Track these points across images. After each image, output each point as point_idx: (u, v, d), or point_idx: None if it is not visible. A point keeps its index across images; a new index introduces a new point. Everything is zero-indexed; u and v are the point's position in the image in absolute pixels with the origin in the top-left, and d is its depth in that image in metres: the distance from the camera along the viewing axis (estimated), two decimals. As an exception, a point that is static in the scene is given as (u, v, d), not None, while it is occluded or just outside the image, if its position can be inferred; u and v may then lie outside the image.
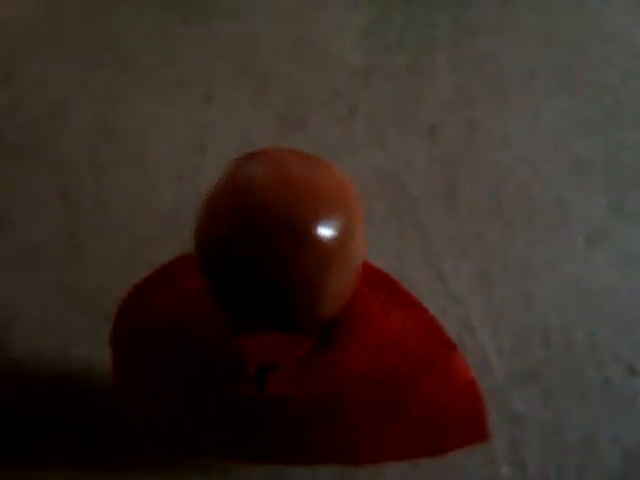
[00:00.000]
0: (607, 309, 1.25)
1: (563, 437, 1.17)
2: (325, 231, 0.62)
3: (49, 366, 1.19)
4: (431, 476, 1.14)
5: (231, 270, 0.63)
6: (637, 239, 1.28)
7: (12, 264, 1.25)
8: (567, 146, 1.35)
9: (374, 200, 1.29)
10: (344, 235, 0.63)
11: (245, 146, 1.29)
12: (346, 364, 0.75)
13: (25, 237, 1.27)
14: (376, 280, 0.79)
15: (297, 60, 1.39)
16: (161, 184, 1.27)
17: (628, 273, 1.26)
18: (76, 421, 1.14)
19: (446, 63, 1.41)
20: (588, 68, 1.43)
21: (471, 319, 1.22)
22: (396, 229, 1.25)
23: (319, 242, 0.62)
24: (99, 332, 1.20)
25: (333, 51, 1.40)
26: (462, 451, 1.14)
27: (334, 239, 0.62)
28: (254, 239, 0.62)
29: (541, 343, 1.22)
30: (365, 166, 1.30)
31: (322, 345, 0.74)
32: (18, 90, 1.36)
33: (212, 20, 1.41)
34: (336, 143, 1.30)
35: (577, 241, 1.29)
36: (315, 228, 0.62)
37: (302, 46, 1.40)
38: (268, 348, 0.73)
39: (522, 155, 1.33)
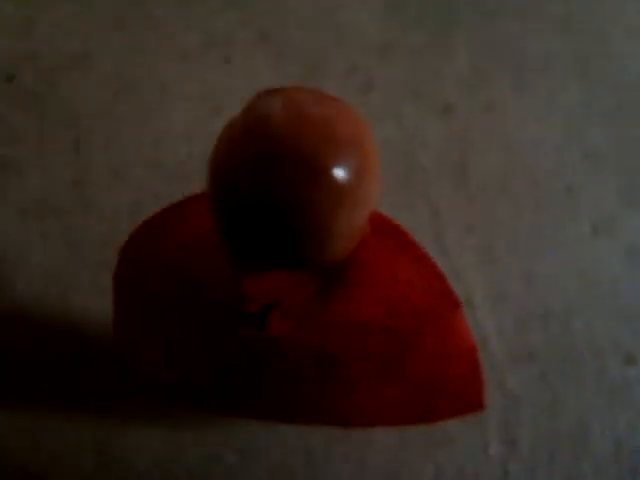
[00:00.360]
0: (609, 297, 1.25)
1: (556, 420, 1.17)
2: (339, 169, 0.62)
3: (49, 312, 1.19)
4: (420, 448, 1.14)
5: (243, 203, 0.63)
6: (644, 230, 1.28)
7: (18, 210, 1.25)
8: (580, 134, 1.35)
9: (386, 171, 1.29)
10: (357, 175, 0.64)
11: (259, 109, 1.29)
12: (349, 311, 0.75)
13: (32, 184, 1.27)
14: (386, 229, 0.79)
15: (318, 31, 1.39)
16: (173, 142, 1.27)
17: (633, 263, 1.26)
18: (72, 368, 1.15)
19: (465, 43, 1.41)
20: (607, 59, 1.43)
21: (472, 295, 1.22)
22: (406, 200, 1.25)
23: (332, 179, 0.62)
24: (100, 282, 1.21)
25: (354, 25, 1.40)
26: (453, 425, 1.14)
27: (347, 178, 0.63)
28: (267, 173, 0.62)
29: (540, 325, 1.22)
30: (379, 138, 1.29)
31: (326, 290, 0.74)
32: (36, 40, 1.37)
33: (235, -16, 1.42)
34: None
35: (584, 228, 1.28)
36: (329, 165, 0.62)
37: (324, 17, 1.40)
38: (272, 287, 0.74)
39: (535, 139, 1.33)
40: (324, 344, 0.77)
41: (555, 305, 1.24)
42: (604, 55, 1.44)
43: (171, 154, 1.26)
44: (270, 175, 0.62)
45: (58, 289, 1.20)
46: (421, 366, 0.83)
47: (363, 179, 0.65)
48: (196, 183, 1.24)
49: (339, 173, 0.63)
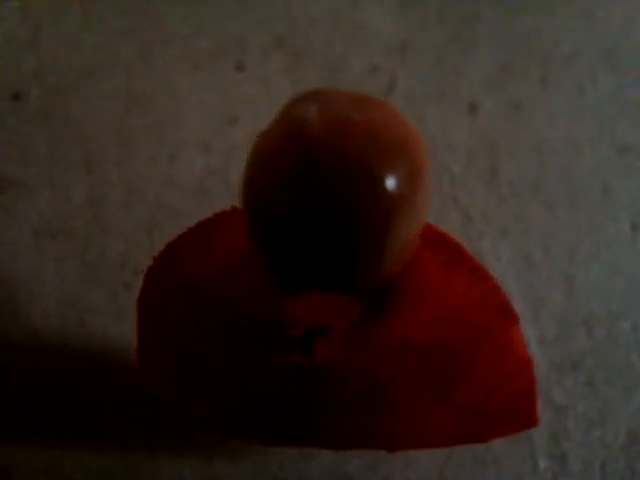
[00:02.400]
0: (654, 298, 1.19)
1: (607, 431, 1.11)
2: (390, 177, 0.56)
3: (67, 337, 1.13)
4: (467, 469, 1.08)
5: (284, 219, 0.57)
6: (686, 226, 1.22)
7: (31, 232, 1.20)
8: (612, 128, 1.29)
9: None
10: (410, 183, 0.58)
11: (278, 117, 1.23)
12: (399, 332, 0.69)
13: (44, 205, 1.21)
14: (438, 242, 0.73)
15: (334, 33, 1.33)
16: (189, 155, 1.22)
17: (677, 261, 1.20)
18: (93, 396, 1.09)
19: (488, 39, 1.35)
20: (635, 49, 1.37)
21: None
22: (436, 207, 1.18)
23: (383, 189, 0.56)
24: (119, 305, 1.15)
25: (371, 24, 1.35)
26: (501, 442, 1.07)
27: (399, 186, 0.57)
28: (313, 187, 0.56)
29: (584, 332, 1.16)
30: (402, 142, 1.24)
31: (376, 311, 0.68)
32: (44, 54, 1.31)
33: (246, -11, 1.36)
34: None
35: (623, 227, 1.22)
36: (379, 173, 0.56)
37: (339, 19, 1.35)
38: (317, 309, 0.67)
39: (566, 136, 1.27)
40: (373, 369, 0.71)
41: (598, 309, 1.18)
42: (631, 44, 1.38)
43: (187, 168, 1.21)
44: (313, 187, 0.56)
45: (76, 314, 1.14)
46: (475, 386, 0.77)
47: (416, 187, 0.59)
48: (214, 197, 1.19)
49: (391, 181, 0.57)
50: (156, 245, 1.12)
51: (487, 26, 1.36)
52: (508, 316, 0.74)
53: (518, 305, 1.21)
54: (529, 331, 1.15)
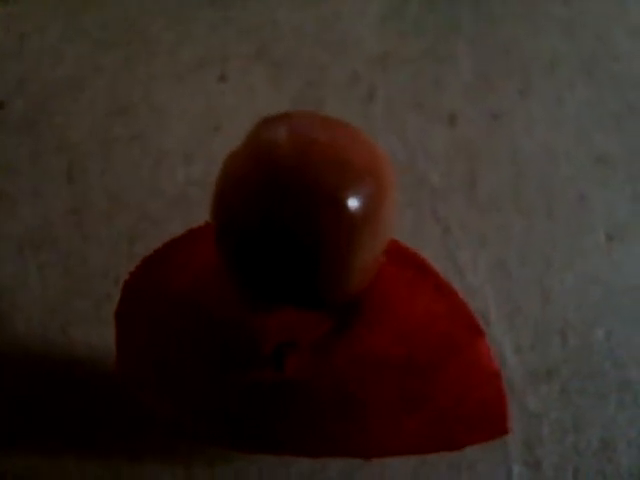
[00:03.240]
0: (628, 307, 1.20)
1: (580, 437, 1.13)
2: (354, 198, 0.58)
3: (51, 347, 1.15)
4: (442, 474, 1.10)
5: (250, 239, 0.59)
6: (661, 236, 1.24)
7: (13, 241, 1.21)
8: (590, 138, 1.31)
9: (391, 187, 1.24)
10: (374, 203, 0.59)
11: (259, 128, 1.25)
12: (367, 347, 0.70)
13: (28, 214, 1.23)
14: (403, 258, 0.75)
15: (315, 44, 1.35)
16: (171, 164, 1.23)
17: (651, 271, 1.22)
18: (75, 404, 1.10)
19: (466, 49, 1.37)
20: (613, 60, 1.39)
21: (488, 313, 1.18)
22: (414, 218, 1.21)
23: (347, 210, 0.58)
24: (101, 313, 1.16)
25: (352, 36, 1.36)
26: (475, 448, 1.09)
27: (364, 206, 0.58)
28: (279, 206, 0.58)
29: (559, 340, 1.18)
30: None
31: (343, 326, 0.70)
32: (27, 64, 1.33)
33: (231, 1, 1.37)
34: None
35: (598, 236, 1.24)
36: (343, 195, 0.58)
37: (320, 30, 1.36)
38: (287, 327, 0.69)
39: (544, 146, 1.29)
40: (342, 382, 0.73)
41: (573, 317, 1.20)
42: (610, 55, 1.40)
43: (169, 177, 1.22)
44: (279, 208, 0.58)
45: (58, 322, 1.16)
46: (443, 396, 0.78)
47: (380, 207, 0.61)
48: (196, 207, 1.20)
49: (354, 203, 0.58)
50: (138, 254, 1.14)
51: (466, 37, 1.38)
52: (473, 330, 0.76)
53: (494, 313, 1.23)
54: (505, 339, 1.17)
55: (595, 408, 1.14)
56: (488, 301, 1.19)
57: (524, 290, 1.20)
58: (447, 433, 0.88)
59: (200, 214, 1.15)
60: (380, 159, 0.64)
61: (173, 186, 1.21)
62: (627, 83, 1.37)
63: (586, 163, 1.29)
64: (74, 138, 1.26)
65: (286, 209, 0.58)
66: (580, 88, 1.36)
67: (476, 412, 0.85)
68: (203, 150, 1.24)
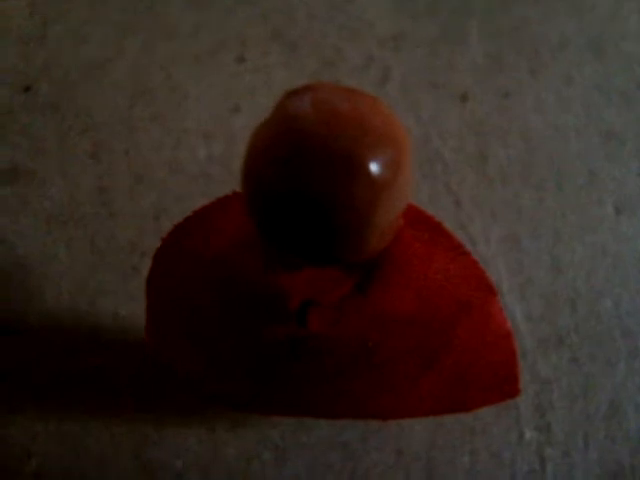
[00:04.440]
0: (636, 277, 1.24)
1: (590, 403, 1.17)
2: (374, 164, 0.62)
3: (79, 319, 1.20)
4: (455, 437, 1.15)
5: (281, 203, 0.63)
6: (668, 209, 1.27)
7: (42, 219, 1.26)
8: (599, 116, 1.35)
9: (405, 164, 1.28)
10: (393, 169, 0.64)
11: (277, 107, 1.29)
12: (386, 305, 0.75)
13: (55, 193, 1.28)
14: (420, 221, 0.79)
15: (330, 26, 1.39)
16: (193, 143, 1.28)
17: (658, 242, 1.26)
18: (102, 372, 1.16)
19: (478, 30, 1.41)
20: (622, 38, 1.42)
21: (500, 283, 1.22)
22: (428, 192, 1.25)
23: (369, 174, 0.62)
24: (128, 288, 1.21)
25: (366, 17, 1.40)
26: (487, 412, 1.14)
27: (383, 172, 0.63)
28: (302, 172, 0.62)
29: (569, 309, 1.22)
30: (396, 130, 1.29)
31: (363, 285, 0.74)
32: (51, 49, 1.37)
33: (245, -17, 1.42)
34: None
35: (607, 209, 1.28)
36: (364, 161, 0.62)
37: (335, 12, 1.40)
38: (310, 284, 0.74)
39: (553, 123, 1.33)
40: (362, 338, 0.77)
41: (582, 288, 1.24)
42: (618, 34, 1.43)
43: (191, 156, 1.27)
44: (305, 174, 0.62)
45: (87, 296, 1.21)
46: (457, 355, 0.83)
47: (398, 173, 0.65)
48: (217, 183, 1.25)
49: (375, 168, 0.63)
50: (163, 229, 1.19)
51: (477, 18, 1.42)
52: (487, 290, 0.80)
53: (506, 284, 1.28)
54: (516, 309, 1.21)
55: (604, 374, 1.18)
56: (500, 272, 1.23)
57: (535, 261, 1.24)
58: (461, 394, 0.92)
59: (221, 190, 1.20)
60: (398, 127, 0.68)
61: (194, 164, 1.26)
62: (635, 61, 1.40)
63: (595, 139, 1.33)
64: (98, 119, 1.31)
65: (312, 174, 0.62)
66: (588, 67, 1.39)
67: (488, 373, 0.89)
68: (223, 129, 1.28)
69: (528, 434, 1.16)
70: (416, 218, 0.78)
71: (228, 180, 1.25)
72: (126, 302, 1.19)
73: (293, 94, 0.69)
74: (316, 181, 0.62)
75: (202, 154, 1.27)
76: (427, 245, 0.78)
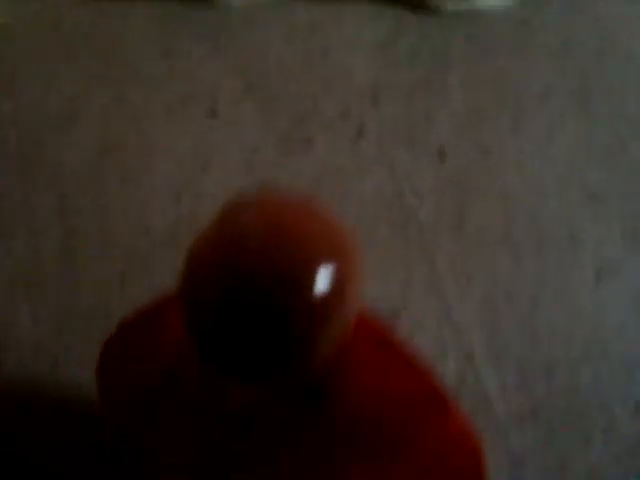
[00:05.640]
0: (615, 346, 1.21)
1: (565, 478, 1.14)
2: (318, 282, 0.59)
3: (40, 386, 1.17)
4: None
5: (218, 319, 0.60)
6: (650, 274, 1.23)
7: (6, 278, 1.23)
8: (581, 173, 1.31)
9: (380, 224, 1.25)
10: (339, 289, 0.60)
11: (249, 167, 1.25)
12: (335, 424, 0.71)
13: (19, 252, 1.24)
14: (371, 334, 0.75)
15: (305, 77, 1.35)
16: (161, 202, 1.24)
17: (639, 310, 1.22)
18: (60, 442, 1.13)
19: (459, 81, 1.37)
20: (605, 91, 1.38)
21: (474, 351, 1.19)
22: (401, 255, 1.21)
23: (311, 293, 0.59)
24: (92, 353, 1.18)
25: (343, 67, 1.36)
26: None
27: (327, 289, 0.59)
28: (243, 290, 0.59)
29: (544, 379, 1.18)
30: (371, 188, 1.26)
31: (310, 401, 0.71)
32: (20, 100, 1.34)
33: (221, 33, 1.38)
34: (342, 164, 1.27)
35: (588, 274, 1.24)
36: (308, 278, 0.59)
37: (311, 62, 1.36)
38: (253, 399, 0.70)
39: (534, 181, 1.29)
40: (311, 460, 0.74)
41: (559, 356, 1.20)
42: (601, 85, 1.39)
43: (159, 217, 1.23)
44: (244, 292, 0.59)
45: (48, 361, 1.18)
46: (418, 464, 0.79)
47: (345, 291, 0.61)
48: (186, 247, 1.21)
49: (317, 286, 0.59)
50: (128, 295, 1.16)
51: (458, 69, 1.38)
52: (442, 402, 0.76)
53: (480, 352, 1.24)
54: (490, 378, 1.18)
55: (580, 449, 1.15)
56: (474, 339, 1.19)
57: (510, 327, 1.20)
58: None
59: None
60: (345, 238, 0.65)
61: (163, 226, 1.22)
62: (619, 116, 1.36)
63: (577, 200, 1.29)
64: (66, 174, 1.27)
65: (250, 292, 0.59)
66: (571, 122, 1.35)
67: (452, 477, 0.85)
68: (192, 189, 1.25)
69: (501, 511, 1.12)
70: (367, 330, 0.74)
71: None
72: (89, 370, 1.16)
73: (234, 205, 0.66)
74: (254, 299, 0.59)
75: (171, 215, 1.23)
76: (378, 359, 0.74)
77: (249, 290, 0.60)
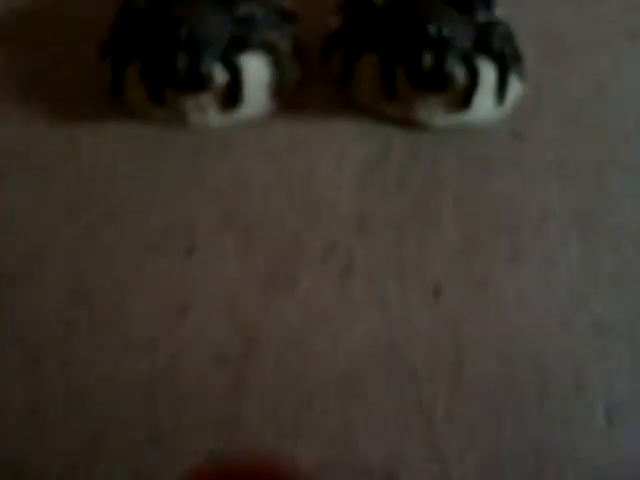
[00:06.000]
0: (632, 502, 1.11)
1: None
2: None
3: None
4: None
5: None
6: (665, 416, 1.14)
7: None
8: (585, 303, 1.22)
9: (370, 373, 1.16)
10: None
11: (230, 310, 1.17)
12: None
13: (-16, 409, 1.15)
14: None
15: (288, 205, 1.27)
16: (135, 354, 1.15)
17: (656, 459, 1.13)
18: None
19: (452, 205, 1.29)
20: (607, 209, 1.30)
21: (478, 518, 1.09)
22: (395, 408, 1.12)
23: None
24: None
25: (327, 195, 1.28)
26: None
27: None
28: None
29: None
30: (361, 332, 1.17)
31: None
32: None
33: (199, 159, 1.30)
34: (329, 305, 1.18)
35: (598, 418, 1.15)
36: None
37: (294, 188, 1.28)
38: None
39: (536, 316, 1.20)
40: None
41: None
42: (602, 202, 1.31)
43: (132, 370, 1.14)
44: None
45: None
46: None
47: None
48: (161, 406, 1.12)
49: None
50: (98, 459, 1.06)
51: (451, 192, 1.30)
52: None
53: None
54: None
55: None
56: (478, 503, 1.09)
57: (517, 486, 1.11)
58: None
59: (164, 416, 1.07)
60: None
61: (136, 381, 1.13)
62: (623, 236, 1.28)
63: (582, 332, 1.20)
64: (32, 324, 1.18)
65: None
66: (573, 245, 1.27)
67: None
68: (168, 336, 1.15)
69: None
70: None
71: (173, 402, 1.13)
72: None
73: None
74: None
75: (145, 368, 1.14)
76: None
77: None
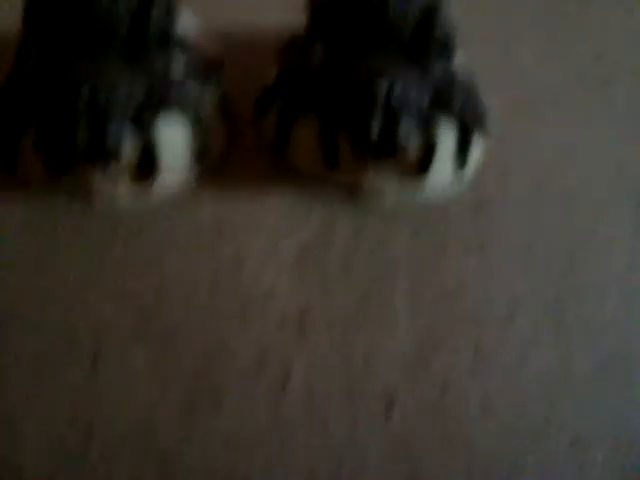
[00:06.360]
0: None
1: None
2: None
3: None
4: None
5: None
6: None
7: None
8: (559, 413, 1.06)
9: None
10: None
11: (146, 429, 0.97)
12: None
13: None
14: None
15: (212, 303, 1.08)
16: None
17: None
18: None
19: (406, 296, 1.11)
20: (580, 299, 1.13)
21: None
22: None
23: None
24: None
25: (260, 288, 1.09)
26: None
27: None
28: None
29: None
30: (300, 462, 0.99)
31: None
32: None
33: (106, 248, 1.09)
34: (261, 431, 0.99)
35: None
36: None
37: (219, 283, 1.09)
38: None
39: (503, 429, 1.04)
40: None
41: None
42: (575, 291, 1.14)
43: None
44: None
45: None
46: None
47: None
48: None
49: None
50: None
51: (405, 279, 1.12)
52: None
53: None
54: None
55: None
56: None
57: None
58: None
59: None
60: None
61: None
62: (596, 333, 1.11)
63: (557, 448, 1.04)
64: None
65: None
66: (544, 342, 1.10)
67: None
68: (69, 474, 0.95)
69: None
70: None
71: None
72: None
73: None
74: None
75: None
76: None
77: None
